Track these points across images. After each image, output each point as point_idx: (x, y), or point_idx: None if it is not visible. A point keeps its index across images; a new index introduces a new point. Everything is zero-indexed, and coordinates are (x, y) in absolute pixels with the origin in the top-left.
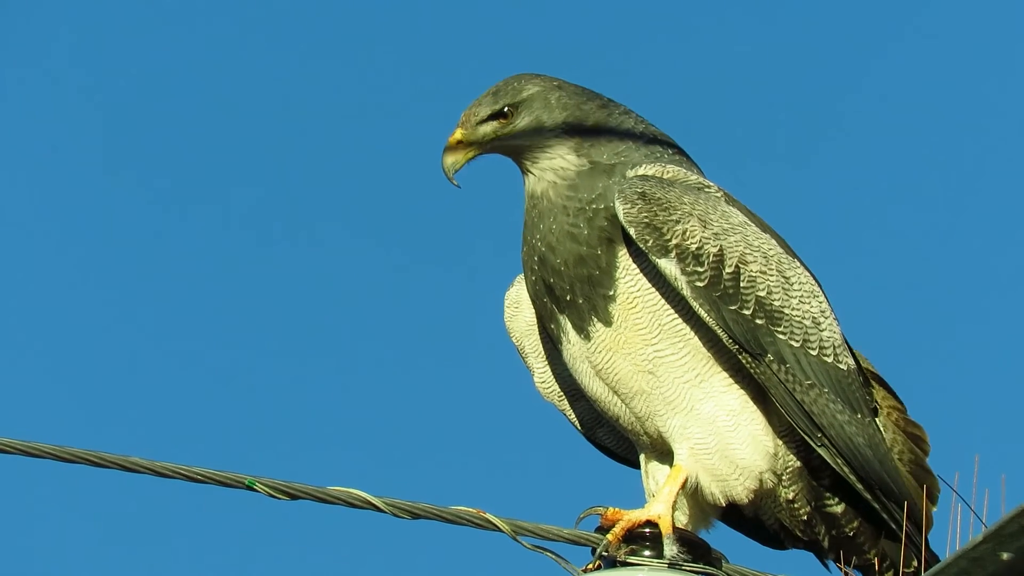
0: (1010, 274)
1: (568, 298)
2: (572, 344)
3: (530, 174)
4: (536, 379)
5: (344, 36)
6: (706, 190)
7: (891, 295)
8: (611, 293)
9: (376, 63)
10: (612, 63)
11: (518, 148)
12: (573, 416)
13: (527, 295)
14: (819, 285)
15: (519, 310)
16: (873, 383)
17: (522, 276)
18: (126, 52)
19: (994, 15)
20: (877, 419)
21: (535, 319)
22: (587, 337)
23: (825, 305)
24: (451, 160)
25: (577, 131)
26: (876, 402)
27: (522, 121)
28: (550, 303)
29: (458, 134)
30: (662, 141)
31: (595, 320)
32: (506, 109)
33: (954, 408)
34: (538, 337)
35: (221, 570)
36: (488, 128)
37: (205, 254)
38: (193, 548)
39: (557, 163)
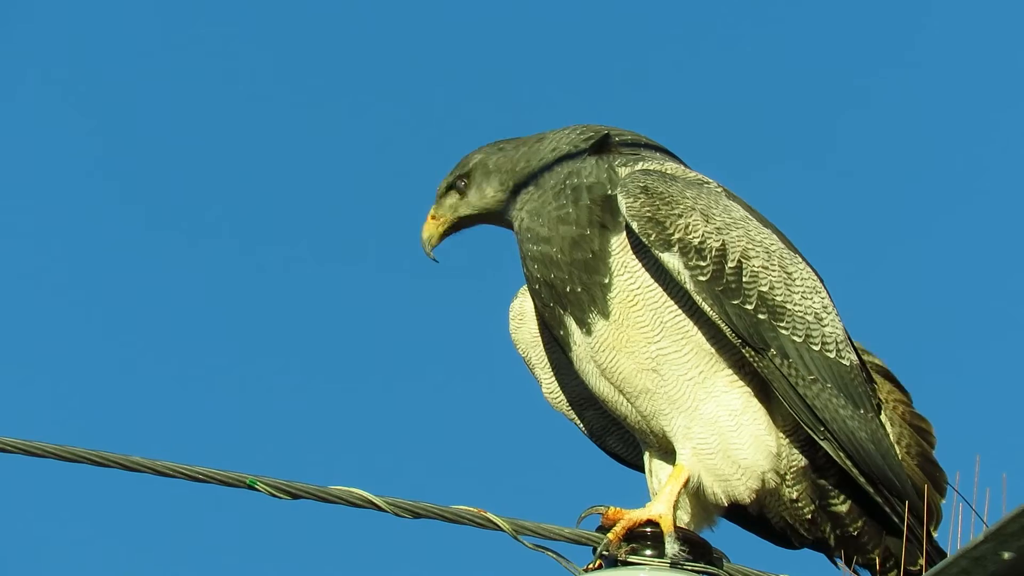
0: (1011, 273)
1: (568, 289)
2: (578, 345)
3: (511, 224)
4: (544, 389)
5: (342, 38)
6: (706, 185)
7: (894, 294)
8: (607, 282)
9: (378, 67)
10: (622, 68)
11: (487, 217)
12: (583, 424)
13: (531, 307)
14: (821, 281)
15: (523, 322)
16: (879, 377)
17: (525, 288)
18: (114, 56)
19: (1006, 14)
20: (882, 414)
21: (540, 331)
22: (589, 332)
23: (827, 301)
24: (427, 235)
25: (515, 182)
26: (881, 397)
27: (471, 192)
28: (555, 306)
29: (431, 210)
30: (623, 140)
31: (594, 312)
32: (460, 183)
33: (955, 407)
34: (543, 348)
35: (222, 570)
36: (451, 200)
37: (206, 256)
38: (194, 548)
39: (518, 205)
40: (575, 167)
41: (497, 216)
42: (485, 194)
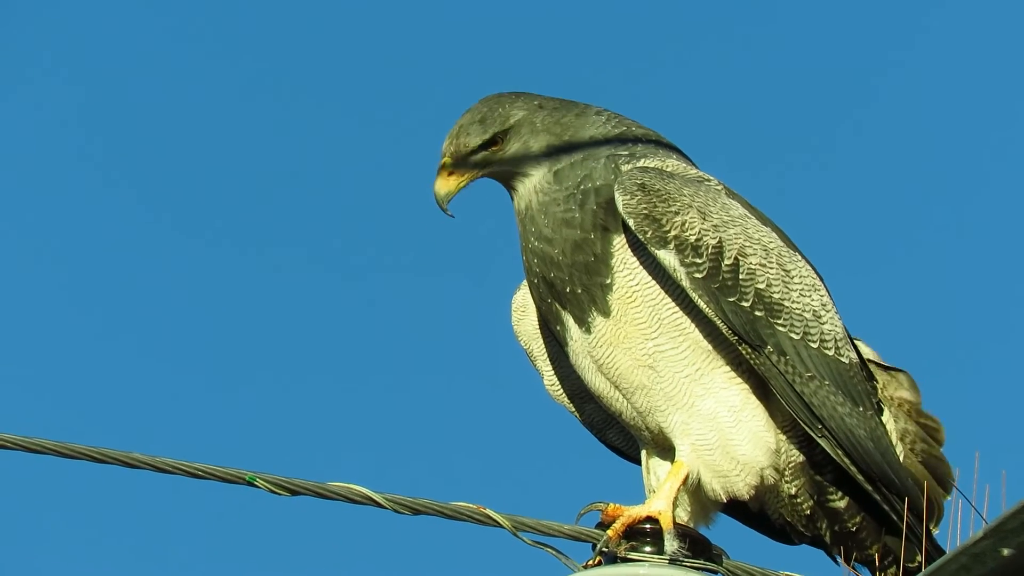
0: (1013, 270)
1: (568, 289)
2: (575, 340)
3: (515, 192)
4: (546, 382)
5: (340, 36)
6: (706, 183)
7: (894, 292)
8: (608, 282)
9: (375, 67)
10: (625, 65)
11: (505, 173)
12: (584, 417)
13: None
14: (821, 279)
15: (526, 314)
16: (886, 374)
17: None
18: (116, 55)
19: (1012, 13)
20: (887, 411)
21: (540, 323)
22: (588, 330)
23: (826, 299)
24: (444, 191)
25: (557, 148)
26: (887, 395)
27: (511, 148)
28: (553, 302)
29: (449, 164)
30: (642, 138)
31: (594, 311)
32: (496, 137)
33: (955, 405)
34: (545, 341)
35: (221, 566)
36: (479, 157)
37: (206, 255)
38: (193, 544)
39: (536, 181)
40: (591, 169)
41: (511, 174)
42: (530, 150)
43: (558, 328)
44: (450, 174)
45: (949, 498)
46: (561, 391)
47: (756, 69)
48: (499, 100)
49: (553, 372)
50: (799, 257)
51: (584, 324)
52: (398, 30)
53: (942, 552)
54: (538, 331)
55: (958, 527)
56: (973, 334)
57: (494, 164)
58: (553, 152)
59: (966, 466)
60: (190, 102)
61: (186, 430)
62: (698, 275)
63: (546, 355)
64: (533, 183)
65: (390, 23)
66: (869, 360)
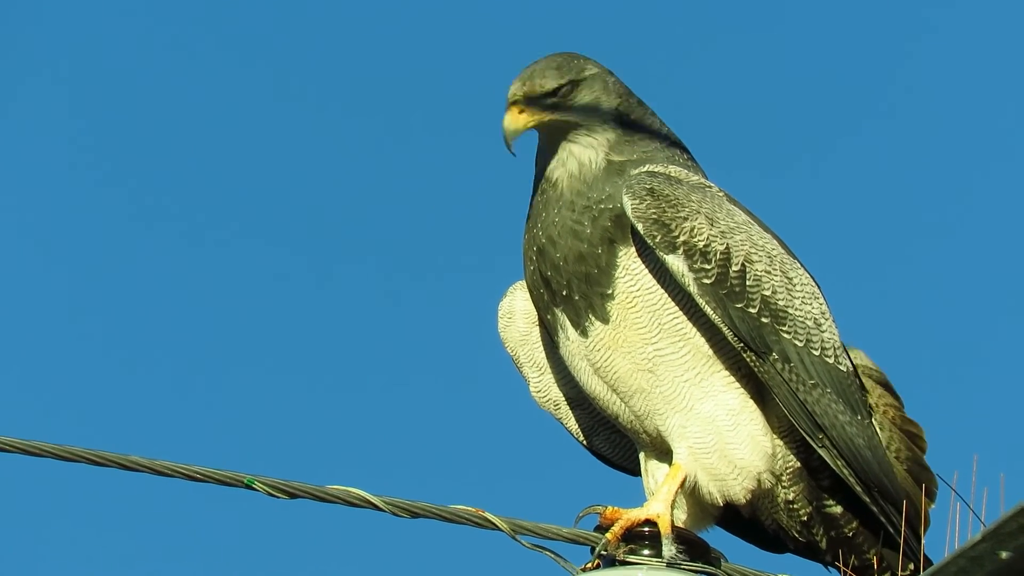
0: (1008, 273)
1: (564, 293)
2: (570, 341)
3: (555, 155)
4: (532, 388)
5: (335, 37)
6: (708, 189)
7: (890, 295)
8: (609, 292)
9: (380, 67)
10: (625, 65)
11: (565, 127)
12: (571, 424)
13: (520, 306)
14: (818, 287)
15: (512, 321)
16: (871, 380)
17: (515, 286)
18: (115, 55)
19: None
20: (873, 419)
21: (529, 329)
22: (584, 334)
23: (825, 307)
24: (513, 127)
25: (621, 123)
26: (871, 403)
27: (583, 97)
28: (546, 295)
29: (520, 102)
30: (677, 143)
31: (592, 318)
32: (570, 83)
33: (953, 407)
34: (532, 347)
35: (220, 569)
36: (550, 101)
37: (205, 256)
38: (192, 547)
39: (587, 155)
40: (617, 188)
41: (568, 129)
42: (600, 106)
43: (548, 317)
44: (520, 112)
45: (934, 506)
46: (547, 398)
47: (756, 71)
48: (573, 54)
49: (540, 379)
50: (799, 265)
51: (580, 327)
52: (398, 31)
53: (931, 563)
54: (525, 337)
55: (956, 530)
56: (973, 337)
57: (561, 111)
58: (616, 122)
59: (964, 469)
60: (188, 101)
61: (185, 433)
62: (706, 281)
63: (533, 362)
64: (580, 156)
65: (390, 24)
66: (859, 365)
